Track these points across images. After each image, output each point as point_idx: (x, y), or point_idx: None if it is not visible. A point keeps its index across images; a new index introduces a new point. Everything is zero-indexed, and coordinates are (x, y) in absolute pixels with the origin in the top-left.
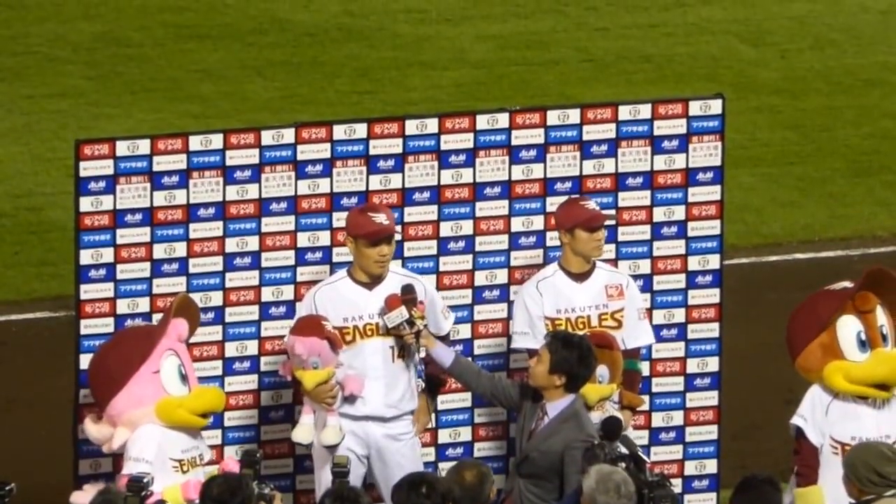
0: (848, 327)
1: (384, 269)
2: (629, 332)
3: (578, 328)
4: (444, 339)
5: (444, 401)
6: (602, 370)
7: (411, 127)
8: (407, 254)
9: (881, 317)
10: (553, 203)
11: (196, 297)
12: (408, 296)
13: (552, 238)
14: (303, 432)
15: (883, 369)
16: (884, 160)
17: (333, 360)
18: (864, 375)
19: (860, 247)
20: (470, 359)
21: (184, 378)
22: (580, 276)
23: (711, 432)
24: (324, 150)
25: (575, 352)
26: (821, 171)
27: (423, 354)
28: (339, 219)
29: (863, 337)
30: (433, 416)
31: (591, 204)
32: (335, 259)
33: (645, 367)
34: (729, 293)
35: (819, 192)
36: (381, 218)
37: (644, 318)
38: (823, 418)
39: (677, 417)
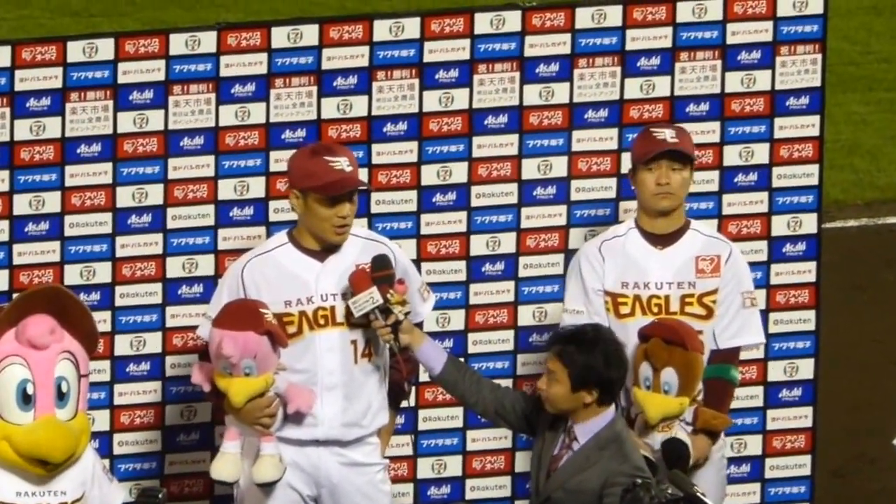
0: None
1: (344, 235)
2: (725, 324)
3: (651, 312)
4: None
5: (426, 418)
6: (669, 376)
7: (382, 30)
8: (374, 210)
9: None
10: (581, 139)
11: (74, 269)
12: (382, 272)
13: (580, 189)
14: (226, 466)
15: None
16: None
17: (274, 364)
18: None
19: None
20: (463, 360)
21: (27, 399)
22: (663, 240)
23: (803, 466)
24: (258, 63)
25: (598, 353)
26: None
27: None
28: (280, 160)
29: None
30: (411, 440)
31: (666, 132)
32: (273, 217)
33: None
34: (830, 269)
35: None
36: (342, 162)
37: (751, 307)
38: None
39: (753, 445)
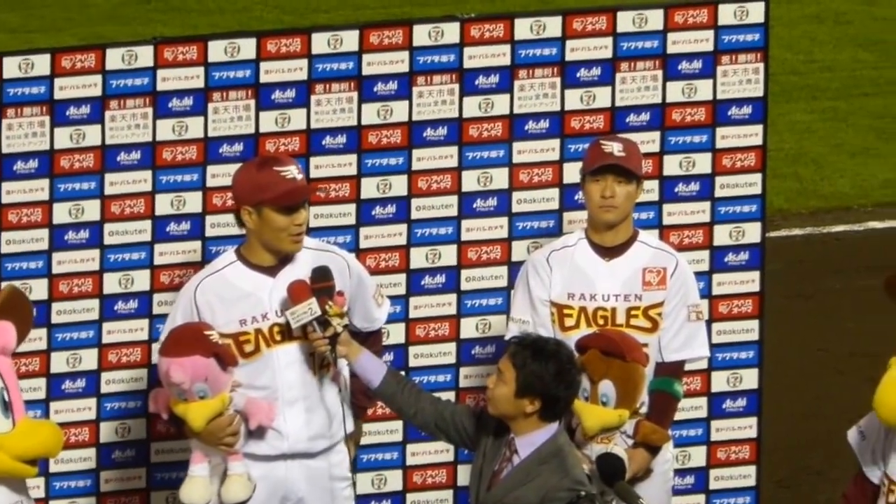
0: None
1: (300, 243)
2: (670, 337)
3: (597, 323)
4: (375, 336)
5: (365, 432)
6: (607, 387)
7: (320, 43)
8: (313, 223)
9: None
10: (522, 150)
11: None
12: (321, 283)
13: (521, 201)
14: (196, 489)
15: None
16: None
17: (227, 383)
18: None
19: None
20: (404, 373)
21: (6, 407)
22: (610, 252)
23: (748, 477)
24: (195, 77)
25: (551, 365)
26: None
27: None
28: (217, 175)
29: None
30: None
31: (614, 146)
32: (209, 232)
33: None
34: (775, 278)
35: None
36: (292, 171)
37: (697, 321)
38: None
39: (697, 456)
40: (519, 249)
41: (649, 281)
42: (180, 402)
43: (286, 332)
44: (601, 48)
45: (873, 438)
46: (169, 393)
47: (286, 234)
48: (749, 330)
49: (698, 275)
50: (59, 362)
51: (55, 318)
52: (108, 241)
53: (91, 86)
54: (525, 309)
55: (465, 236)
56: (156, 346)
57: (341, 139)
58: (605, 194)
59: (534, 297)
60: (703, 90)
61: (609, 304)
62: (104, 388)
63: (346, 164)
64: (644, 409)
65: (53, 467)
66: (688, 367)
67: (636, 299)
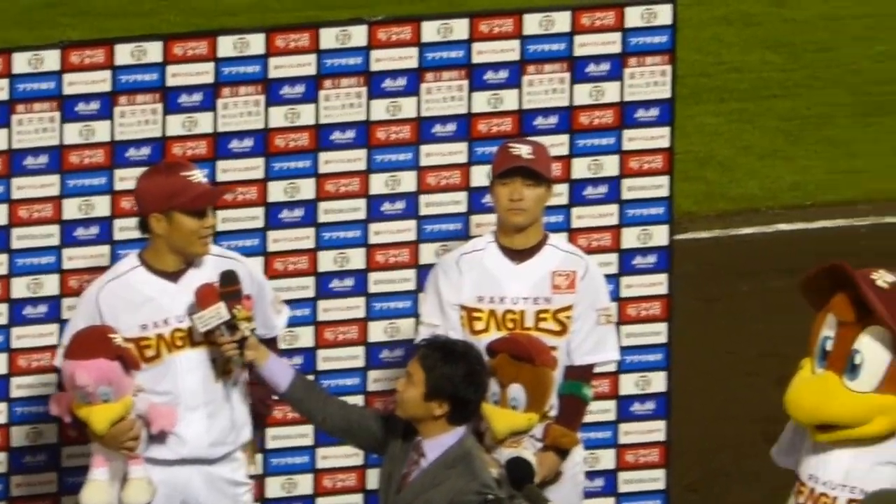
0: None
1: (209, 245)
2: (580, 341)
3: (506, 327)
4: (273, 343)
5: (275, 436)
6: (516, 391)
7: (226, 46)
8: (221, 227)
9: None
10: (430, 153)
11: None
12: (228, 287)
13: (429, 205)
14: (96, 493)
15: None
16: None
17: (130, 387)
18: None
19: (870, 214)
20: (312, 378)
21: None
22: (520, 255)
23: (657, 480)
24: (101, 81)
25: (461, 367)
26: (816, 107)
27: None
28: (125, 178)
29: None
30: (257, 458)
31: (523, 148)
32: (118, 236)
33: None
34: (683, 281)
35: (813, 137)
36: (198, 175)
37: (607, 324)
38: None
39: (606, 459)
40: (427, 253)
41: (559, 284)
42: (83, 405)
43: (188, 338)
44: (508, 51)
45: (785, 444)
46: (72, 396)
47: (196, 237)
48: (657, 333)
49: (607, 277)
50: None
51: None
52: (15, 245)
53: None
54: (434, 312)
55: (372, 239)
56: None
57: (248, 142)
58: (513, 197)
59: (443, 300)
60: (611, 93)
61: (518, 308)
62: (14, 393)
63: (254, 168)
64: (553, 413)
65: None
66: (597, 369)
67: (546, 302)
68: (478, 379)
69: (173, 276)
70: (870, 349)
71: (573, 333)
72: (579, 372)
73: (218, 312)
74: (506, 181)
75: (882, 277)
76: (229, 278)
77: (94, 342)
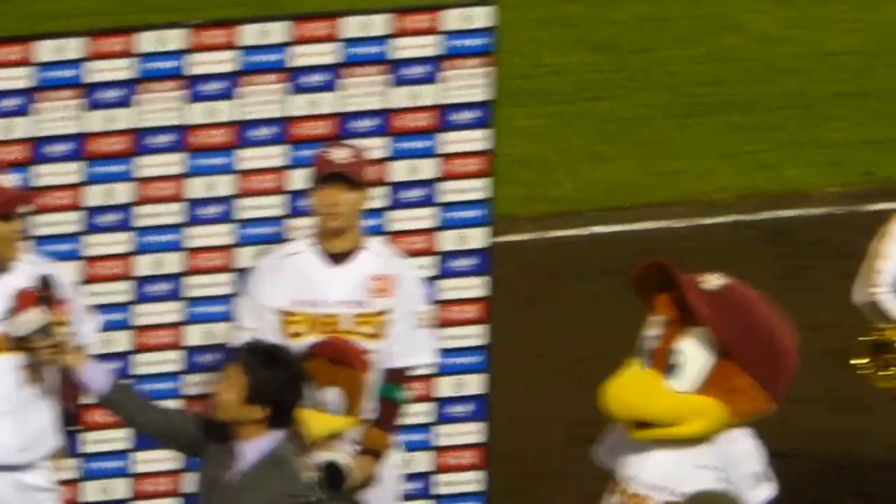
0: None
1: (14, 251)
2: (397, 344)
3: (323, 330)
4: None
5: (92, 440)
6: (334, 395)
7: (45, 51)
8: (39, 231)
9: None
10: (251, 157)
11: None
12: (45, 292)
13: (246, 208)
14: None
15: None
16: (725, 93)
17: None
18: None
19: (688, 216)
20: (129, 382)
21: None
22: (338, 258)
23: (475, 482)
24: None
25: (282, 372)
26: (635, 108)
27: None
28: None
29: None
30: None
31: (337, 153)
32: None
33: None
34: (503, 283)
35: (632, 138)
36: (2, 180)
37: (423, 327)
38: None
39: (424, 461)
40: (244, 256)
41: (376, 288)
42: None
43: (0, 343)
44: (327, 53)
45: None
46: None
47: (5, 242)
48: (476, 335)
49: (425, 280)
50: None
51: None
52: None
53: None
54: (252, 316)
55: (189, 243)
56: None
57: (64, 147)
58: (327, 202)
59: (260, 304)
60: (428, 95)
61: (335, 311)
62: None
63: (70, 173)
64: (369, 416)
65: None
66: (413, 372)
67: (362, 306)
68: (298, 383)
69: None
70: (691, 350)
71: (390, 337)
72: (394, 375)
73: (35, 317)
74: (322, 186)
75: (712, 280)
76: (46, 283)
77: None
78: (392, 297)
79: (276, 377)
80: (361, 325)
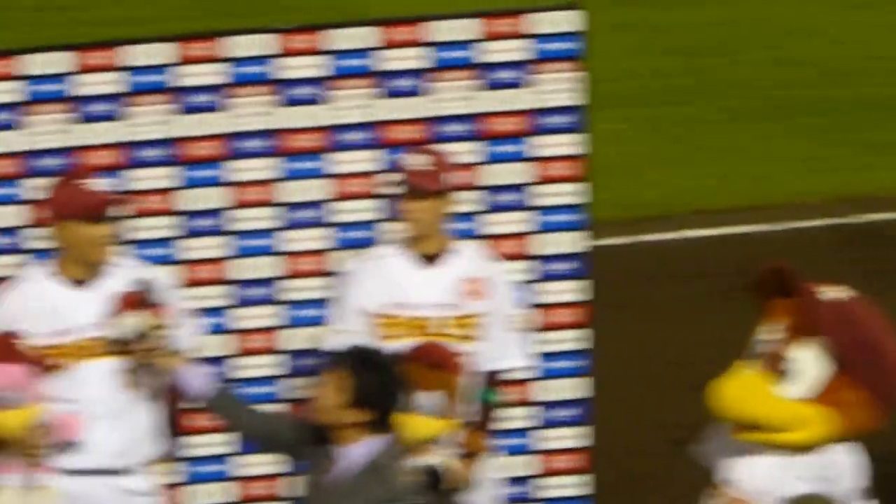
0: None
1: (109, 254)
2: (489, 347)
3: (415, 333)
4: (186, 353)
5: (194, 444)
6: (429, 398)
7: (135, 56)
8: (137, 235)
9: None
10: (343, 161)
11: None
12: (143, 296)
13: (342, 211)
14: (2, 499)
15: None
16: (807, 96)
17: (34, 394)
18: None
19: (776, 219)
20: (230, 385)
21: None
22: (427, 260)
23: (579, 485)
24: (8, 91)
25: (385, 376)
26: (716, 113)
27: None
28: (36, 187)
29: None
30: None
31: (412, 160)
32: (31, 245)
33: None
34: (596, 287)
35: (717, 143)
36: (93, 184)
37: (515, 330)
38: None
39: (527, 465)
40: (341, 260)
41: (468, 290)
42: None
43: (96, 347)
44: (411, 59)
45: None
46: None
47: (92, 246)
48: (575, 339)
49: (522, 285)
50: None
51: None
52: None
53: None
54: (344, 319)
55: (285, 247)
56: None
57: (158, 151)
58: (407, 210)
59: (352, 307)
60: (518, 99)
61: (427, 314)
62: None
63: (164, 177)
64: (465, 419)
65: None
66: (514, 376)
67: (454, 309)
68: (397, 387)
69: (82, 285)
70: (805, 358)
71: (482, 340)
72: (488, 378)
73: (134, 321)
74: (401, 194)
75: (831, 291)
76: (145, 287)
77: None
78: (484, 300)
79: (380, 381)
80: (453, 327)
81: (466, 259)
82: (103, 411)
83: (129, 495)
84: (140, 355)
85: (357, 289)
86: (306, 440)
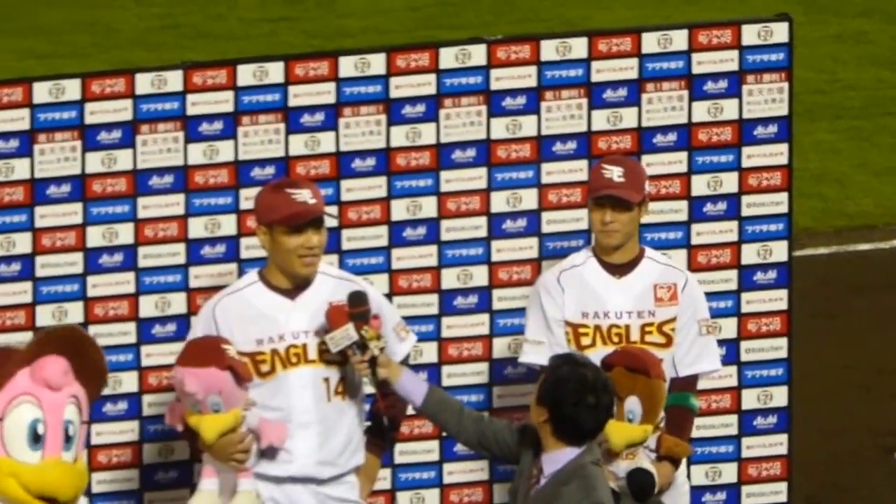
0: None
1: (312, 266)
2: (684, 352)
3: (612, 341)
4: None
5: (402, 451)
6: (633, 404)
7: (347, 66)
8: (345, 246)
9: None
10: (551, 171)
11: (46, 310)
12: (357, 308)
13: (551, 221)
14: (203, 502)
15: None
16: None
17: (241, 399)
18: None
19: None
20: (444, 390)
21: (37, 439)
22: (620, 269)
23: (779, 493)
24: (224, 102)
25: (571, 382)
26: None
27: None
28: (249, 197)
29: None
30: (388, 472)
31: (614, 171)
32: (244, 255)
33: None
34: (801, 297)
35: None
36: (304, 194)
37: (708, 335)
38: None
39: (729, 473)
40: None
41: (661, 297)
42: (194, 413)
43: (303, 355)
44: (626, 69)
45: None
46: (184, 404)
47: (295, 255)
48: (778, 348)
49: (727, 293)
50: None
51: None
52: (142, 263)
53: (122, 110)
54: (540, 330)
55: (495, 257)
56: None
57: (370, 161)
58: (604, 220)
59: (548, 317)
60: (729, 110)
61: (623, 322)
62: (146, 411)
63: (377, 187)
64: (662, 424)
65: (96, 488)
66: (717, 384)
67: (649, 315)
68: (579, 395)
69: (290, 293)
70: None
71: (676, 345)
72: (684, 383)
73: (347, 333)
74: (598, 203)
75: None
76: (358, 299)
77: (206, 351)
78: (676, 306)
79: (558, 384)
80: (649, 334)
81: (656, 265)
82: (308, 419)
83: (333, 502)
84: (359, 366)
85: (551, 298)
86: (521, 445)
